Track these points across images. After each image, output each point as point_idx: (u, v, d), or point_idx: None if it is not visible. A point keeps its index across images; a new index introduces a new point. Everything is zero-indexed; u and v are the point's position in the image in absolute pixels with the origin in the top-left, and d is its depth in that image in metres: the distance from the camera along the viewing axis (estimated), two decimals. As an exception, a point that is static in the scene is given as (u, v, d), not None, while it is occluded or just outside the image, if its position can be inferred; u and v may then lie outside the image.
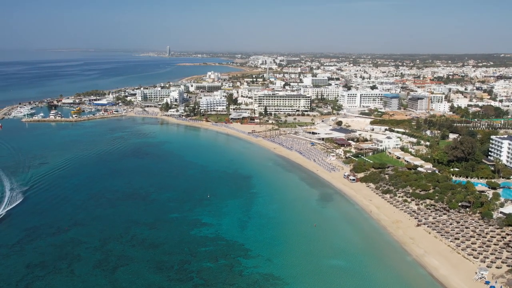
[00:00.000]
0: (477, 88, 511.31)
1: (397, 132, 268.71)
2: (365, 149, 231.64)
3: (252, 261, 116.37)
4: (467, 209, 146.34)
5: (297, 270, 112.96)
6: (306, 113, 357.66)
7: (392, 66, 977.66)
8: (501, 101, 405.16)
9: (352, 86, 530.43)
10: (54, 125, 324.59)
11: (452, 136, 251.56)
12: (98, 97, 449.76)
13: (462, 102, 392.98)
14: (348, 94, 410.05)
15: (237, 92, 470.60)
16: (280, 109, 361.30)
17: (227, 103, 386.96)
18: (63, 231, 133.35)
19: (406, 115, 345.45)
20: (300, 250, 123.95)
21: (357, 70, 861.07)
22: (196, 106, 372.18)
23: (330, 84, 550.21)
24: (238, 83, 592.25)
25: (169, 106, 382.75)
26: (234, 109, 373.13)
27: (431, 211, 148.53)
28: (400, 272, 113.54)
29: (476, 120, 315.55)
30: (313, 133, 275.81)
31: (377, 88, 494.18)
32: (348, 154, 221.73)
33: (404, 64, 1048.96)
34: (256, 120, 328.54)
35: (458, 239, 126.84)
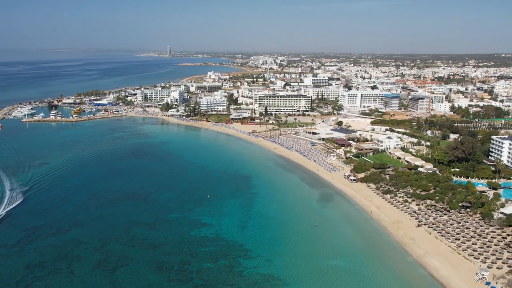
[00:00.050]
0: (478, 88, 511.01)
1: (398, 132, 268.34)
2: (366, 149, 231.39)
3: (252, 262, 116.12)
4: (468, 209, 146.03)
5: (297, 270, 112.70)
6: (306, 113, 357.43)
7: (393, 66, 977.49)
8: (501, 101, 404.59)
9: (352, 86, 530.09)
10: (55, 125, 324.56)
11: (452, 136, 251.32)
12: (98, 97, 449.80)
13: (463, 102, 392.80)
14: (349, 94, 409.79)
15: (238, 92, 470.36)
16: (281, 109, 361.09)
17: (228, 103, 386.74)
18: (63, 231, 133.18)
19: (407, 115, 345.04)
20: (300, 250, 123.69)
21: (358, 70, 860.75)
22: (197, 106, 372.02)
23: (330, 84, 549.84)
24: (239, 83, 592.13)
25: (169, 106, 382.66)
26: (234, 109, 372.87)
27: (432, 212, 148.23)
28: (400, 272, 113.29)
29: (476, 120, 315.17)
30: (314, 133, 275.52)
31: (377, 88, 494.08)
32: (348, 154, 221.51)
33: (405, 64, 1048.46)
34: (256, 120, 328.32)
35: (459, 239, 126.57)
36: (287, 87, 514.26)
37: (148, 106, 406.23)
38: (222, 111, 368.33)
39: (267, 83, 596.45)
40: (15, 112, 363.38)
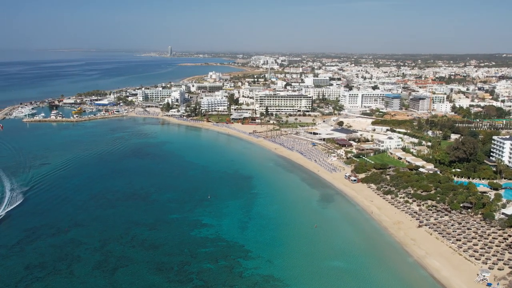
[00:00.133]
0: (479, 88, 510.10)
1: (399, 132, 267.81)
2: (367, 149, 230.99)
3: (253, 262, 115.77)
4: (469, 210, 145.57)
5: (297, 271, 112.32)
6: (307, 113, 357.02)
7: (394, 66, 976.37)
8: (503, 101, 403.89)
9: (353, 86, 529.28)
10: (55, 125, 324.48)
11: (453, 136, 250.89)
12: (99, 97, 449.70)
13: (464, 102, 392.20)
14: (350, 94, 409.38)
15: (238, 92, 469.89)
16: (281, 109, 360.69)
17: (228, 103, 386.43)
18: (63, 231, 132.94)
19: (408, 116, 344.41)
20: (301, 251, 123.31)
21: (359, 70, 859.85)
22: (197, 106, 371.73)
23: (331, 84, 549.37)
24: (240, 83, 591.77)
25: (170, 106, 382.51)
26: (235, 109, 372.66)
27: (433, 212, 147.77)
28: (401, 273, 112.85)
29: (478, 120, 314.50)
30: (314, 133, 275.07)
31: (378, 88, 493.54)
32: (349, 155, 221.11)
33: (406, 64, 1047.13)
34: (257, 121, 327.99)
35: (460, 240, 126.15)
36: (288, 87, 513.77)
37: (148, 106, 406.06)
38: (223, 111, 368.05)
39: (268, 83, 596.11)
40: (15, 112, 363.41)
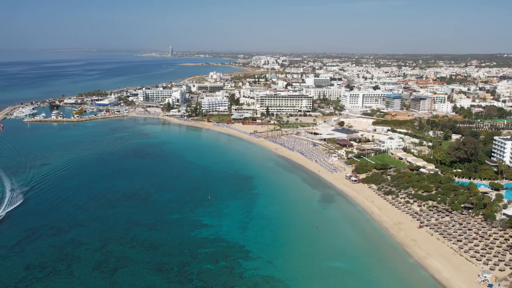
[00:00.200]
0: (480, 89, 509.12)
1: (400, 132, 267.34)
2: (367, 149, 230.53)
3: (253, 263, 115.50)
4: (470, 210, 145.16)
5: (298, 272, 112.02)
6: (308, 113, 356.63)
7: (395, 66, 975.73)
8: (504, 101, 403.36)
9: (354, 86, 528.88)
10: (56, 125, 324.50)
11: (454, 136, 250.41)
12: (100, 97, 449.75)
13: (465, 102, 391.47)
14: (351, 95, 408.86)
15: (239, 92, 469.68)
16: (282, 109, 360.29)
17: (229, 103, 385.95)
18: (63, 232, 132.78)
19: (409, 116, 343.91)
20: (301, 252, 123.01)
21: (360, 70, 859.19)
22: (198, 107, 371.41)
23: (332, 84, 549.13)
24: (240, 83, 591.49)
25: (171, 106, 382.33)
26: (236, 109, 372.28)
27: (434, 213, 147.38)
28: (402, 274, 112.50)
29: (479, 120, 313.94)
30: (315, 133, 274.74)
31: (379, 88, 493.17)
32: (350, 155, 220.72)
33: (407, 64, 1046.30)
34: (258, 121, 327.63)
35: (461, 241, 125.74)
36: (289, 87, 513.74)
37: (149, 106, 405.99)
38: (224, 111, 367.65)
39: (269, 83, 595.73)
40: (16, 112, 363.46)
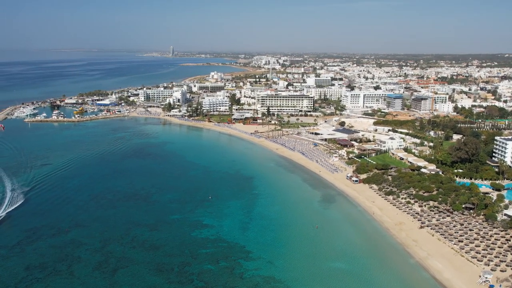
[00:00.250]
0: (481, 89, 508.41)
1: (401, 132, 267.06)
2: (368, 150, 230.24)
3: (253, 263, 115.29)
4: (471, 211, 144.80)
5: (298, 272, 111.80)
6: (309, 113, 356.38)
7: (396, 66, 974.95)
8: (505, 101, 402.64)
9: (355, 86, 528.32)
10: (57, 125, 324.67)
11: (456, 137, 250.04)
12: (101, 97, 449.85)
13: (466, 102, 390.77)
14: (351, 95, 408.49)
15: (240, 92, 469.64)
16: (283, 109, 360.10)
17: (230, 103, 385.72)
18: (64, 232, 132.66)
19: (410, 116, 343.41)
20: (302, 252, 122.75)
21: (361, 70, 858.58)
22: (199, 107, 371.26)
23: (333, 84, 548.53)
24: (241, 83, 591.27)
25: (171, 106, 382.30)
26: (236, 109, 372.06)
27: (435, 213, 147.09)
28: (403, 275, 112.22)
29: (480, 120, 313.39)
30: (316, 133, 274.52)
31: (380, 88, 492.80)
32: (351, 155, 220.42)
33: (408, 64, 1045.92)
34: (258, 121, 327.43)
35: (462, 241, 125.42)
36: (290, 87, 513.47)
37: (150, 106, 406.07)
38: (224, 111, 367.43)
39: (270, 83, 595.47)
40: (17, 112, 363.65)
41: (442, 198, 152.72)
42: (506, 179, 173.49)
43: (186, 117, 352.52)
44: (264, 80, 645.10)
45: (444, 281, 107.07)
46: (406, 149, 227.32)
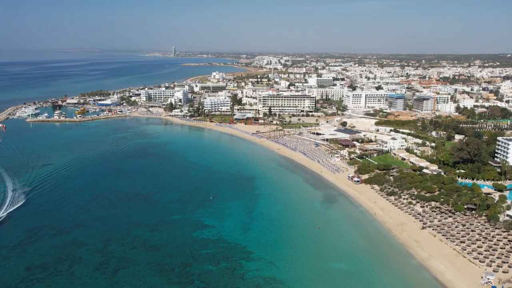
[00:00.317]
0: (483, 89, 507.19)
1: (402, 133, 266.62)
2: (370, 150, 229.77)
3: (254, 264, 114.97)
4: (473, 211, 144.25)
5: (300, 273, 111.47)
6: (310, 113, 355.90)
7: (398, 67, 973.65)
8: (507, 101, 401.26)
9: (357, 86, 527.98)
10: (58, 125, 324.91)
11: (458, 137, 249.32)
12: (102, 97, 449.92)
13: (468, 102, 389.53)
14: (353, 95, 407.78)
15: (242, 92, 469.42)
16: (285, 109, 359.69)
17: (232, 103, 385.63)
18: (65, 232, 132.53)
19: (412, 116, 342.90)
20: (303, 253, 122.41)
21: (363, 71, 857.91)
22: (200, 107, 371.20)
23: (335, 85, 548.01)
24: (243, 83, 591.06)
25: (173, 107, 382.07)
26: (238, 109, 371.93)
27: (436, 214, 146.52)
28: (404, 276, 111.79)
29: (482, 121, 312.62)
30: (318, 134, 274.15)
31: (382, 88, 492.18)
32: (352, 155, 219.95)
33: (410, 64, 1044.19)
34: (260, 121, 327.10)
35: (464, 242, 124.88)
36: (291, 87, 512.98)
37: (152, 106, 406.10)
38: (226, 111, 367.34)
39: (272, 83, 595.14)
40: (19, 112, 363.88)
41: (444, 199, 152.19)
42: (508, 180, 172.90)
43: (187, 117, 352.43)
44: (266, 80, 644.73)
45: (446, 282, 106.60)
46: (408, 150, 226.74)
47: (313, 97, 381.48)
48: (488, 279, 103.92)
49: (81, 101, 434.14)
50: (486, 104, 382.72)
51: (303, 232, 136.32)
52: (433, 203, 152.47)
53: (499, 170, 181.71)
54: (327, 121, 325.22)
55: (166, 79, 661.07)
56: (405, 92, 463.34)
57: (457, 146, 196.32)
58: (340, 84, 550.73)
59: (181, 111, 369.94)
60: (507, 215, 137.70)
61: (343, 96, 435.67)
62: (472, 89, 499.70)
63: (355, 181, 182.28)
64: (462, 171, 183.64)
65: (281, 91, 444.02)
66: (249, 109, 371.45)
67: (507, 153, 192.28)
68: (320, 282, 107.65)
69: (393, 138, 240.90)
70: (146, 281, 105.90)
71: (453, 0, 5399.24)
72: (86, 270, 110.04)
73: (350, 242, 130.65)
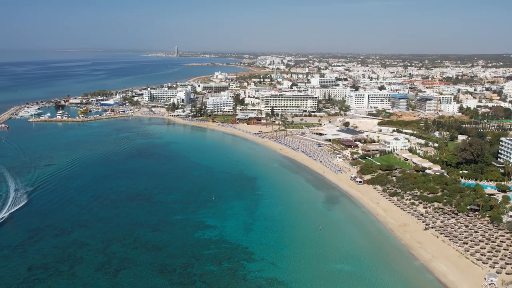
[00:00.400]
0: (487, 89, 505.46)
1: (405, 133, 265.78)
2: (373, 150, 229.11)
3: (256, 265, 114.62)
4: (476, 212, 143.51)
5: (301, 274, 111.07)
6: (313, 113, 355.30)
7: (401, 67, 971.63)
8: (511, 102, 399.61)
9: (360, 86, 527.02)
10: (61, 125, 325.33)
11: (461, 137, 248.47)
12: (105, 97, 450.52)
13: (471, 103, 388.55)
14: (356, 95, 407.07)
15: (244, 92, 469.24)
16: (287, 109, 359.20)
17: (234, 103, 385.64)
18: (66, 232, 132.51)
19: (414, 116, 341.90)
20: (305, 253, 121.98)
21: (365, 71, 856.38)
22: (203, 107, 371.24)
23: (337, 85, 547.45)
24: (245, 84, 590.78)
25: (175, 107, 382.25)
26: (240, 109, 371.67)
27: (439, 215, 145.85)
28: (407, 277, 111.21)
29: (485, 121, 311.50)
30: (320, 134, 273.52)
31: (385, 88, 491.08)
32: (355, 156, 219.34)
33: (413, 64, 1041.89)
34: (262, 121, 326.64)
35: (467, 243, 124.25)
36: (294, 88, 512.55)
37: (154, 106, 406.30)
38: (228, 111, 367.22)
39: (274, 83, 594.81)
40: (22, 112, 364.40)
41: (447, 200, 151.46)
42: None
43: (190, 117, 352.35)
44: (269, 80, 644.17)
45: (449, 284, 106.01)
46: (410, 150, 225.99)
47: (316, 97, 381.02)
48: (492, 280, 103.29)
49: (84, 101, 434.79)
50: (490, 105, 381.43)
51: (305, 232, 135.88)
52: (436, 204, 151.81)
53: (502, 170, 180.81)
54: (329, 121, 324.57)
55: (169, 79, 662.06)
56: (408, 92, 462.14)
57: (460, 147, 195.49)
58: (343, 84, 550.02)
59: (184, 111, 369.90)
60: (511, 216, 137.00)
61: (345, 96, 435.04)
62: (475, 89, 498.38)
63: (357, 181, 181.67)
64: (465, 171, 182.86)
65: (283, 91, 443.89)
66: (252, 109, 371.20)
67: (510, 153, 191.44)
68: (322, 283, 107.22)
69: (396, 139, 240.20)
70: (147, 281, 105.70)
71: (453, 0, 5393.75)
72: (87, 271, 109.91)
73: (352, 243, 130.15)
